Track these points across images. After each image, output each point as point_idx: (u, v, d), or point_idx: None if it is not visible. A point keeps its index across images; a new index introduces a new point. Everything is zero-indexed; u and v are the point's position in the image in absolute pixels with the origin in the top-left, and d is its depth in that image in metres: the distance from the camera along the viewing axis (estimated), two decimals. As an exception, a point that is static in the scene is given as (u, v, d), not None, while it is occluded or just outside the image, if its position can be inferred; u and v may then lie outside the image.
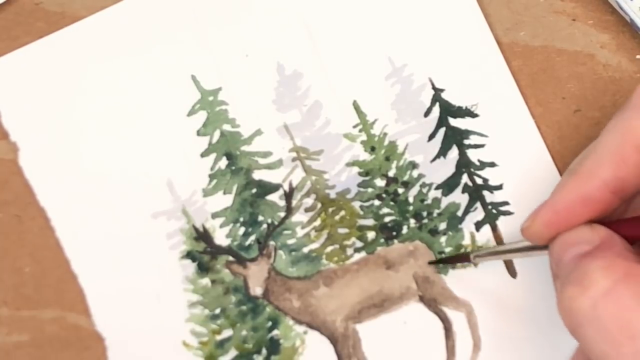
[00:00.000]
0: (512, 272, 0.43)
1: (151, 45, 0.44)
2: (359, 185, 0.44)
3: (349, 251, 0.43)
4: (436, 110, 0.44)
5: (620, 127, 0.32)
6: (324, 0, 0.45)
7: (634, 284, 0.30)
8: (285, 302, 0.42)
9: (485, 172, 0.44)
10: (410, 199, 0.44)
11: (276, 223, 0.43)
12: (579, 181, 0.33)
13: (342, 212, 0.43)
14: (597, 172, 0.33)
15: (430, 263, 0.43)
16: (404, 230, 0.43)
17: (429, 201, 0.43)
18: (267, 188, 0.44)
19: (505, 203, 0.43)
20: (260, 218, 0.43)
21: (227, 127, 0.44)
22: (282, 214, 0.43)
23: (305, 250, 0.43)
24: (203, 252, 0.43)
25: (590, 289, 0.30)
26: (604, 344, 0.30)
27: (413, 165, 0.44)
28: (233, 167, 0.44)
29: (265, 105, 0.44)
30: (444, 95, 0.44)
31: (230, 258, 0.43)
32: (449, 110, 0.44)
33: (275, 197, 0.44)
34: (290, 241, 0.43)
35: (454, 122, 0.44)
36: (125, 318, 0.42)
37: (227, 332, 0.42)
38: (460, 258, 0.42)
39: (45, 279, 0.43)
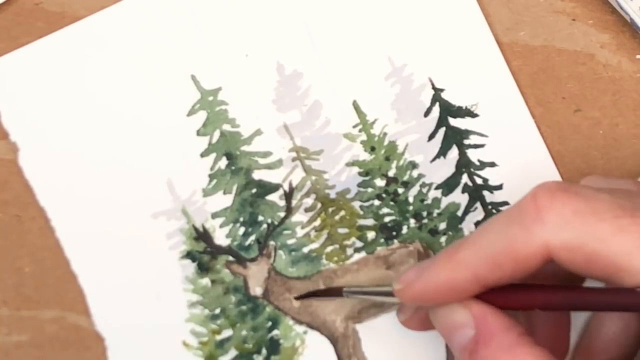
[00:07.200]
0: (512, 272, 0.43)
1: (151, 45, 0.44)
2: (359, 185, 0.44)
3: (349, 251, 0.43)
4: (436, 110, 0.44)
5: (504, 236, 0.32)
6: (324, 0, 0.45)
7: None
8: (285, 302, 0.42)
9: (485, 172, 0.44)
10: (410, 199, 0.44)
11: (276, 223, 0.43)
12: (453, 268, 0.33)
13: (342, 212, 0.43)
14: (471, 266, 0.33)
15: (297, 298, 0.42)
16: (404, 230, 0.43)
17: (429, 201, 0.43)
18: (267, 188, 0.44)
19: (505, 203, 0.43)
20: (260, 218, 0.43)
21: (227, 127, 0.44)
22: (282, 214, 0.43)
23: (305, 250, 0.43)
24: (203, 252, 0.43)
25: None
26: None
27: (413, 165, 0.44)
28: (233, 167, 0.44)
29: (265, 105, 0.44)
30: (444, 95, 0.44)
31: (230, 258, 0.43)
32: (449, 110, 0.44)
33: (275, 197, 0.44)
34: (290, 241, 0.43)
35: (453, 122, 0.44)
36: (125, 318, 0.42)
37: (227, 332, 0.42)
38: (332, 292, 0.41)
39: (45, 279, 0.43)
